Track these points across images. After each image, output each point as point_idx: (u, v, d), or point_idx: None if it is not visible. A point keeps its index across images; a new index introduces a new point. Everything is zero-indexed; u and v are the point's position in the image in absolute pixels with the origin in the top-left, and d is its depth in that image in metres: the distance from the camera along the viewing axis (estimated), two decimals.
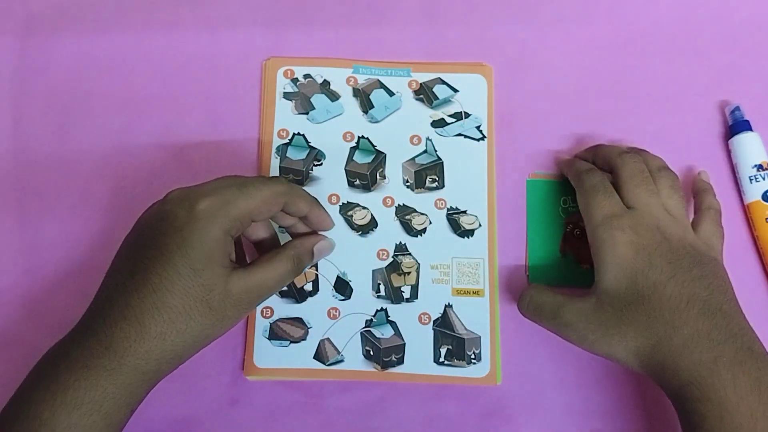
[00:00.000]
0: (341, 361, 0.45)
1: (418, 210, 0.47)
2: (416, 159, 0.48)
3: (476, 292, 0.46)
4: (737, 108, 0.48)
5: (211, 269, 0.35)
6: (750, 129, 0.47)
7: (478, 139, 0.49)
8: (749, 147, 0.47)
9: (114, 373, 0.34)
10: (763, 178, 0.46)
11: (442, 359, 0.45)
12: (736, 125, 0.48)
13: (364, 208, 0.47)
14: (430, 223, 0.47)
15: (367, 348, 0.45)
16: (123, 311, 0.34)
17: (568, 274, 0.47)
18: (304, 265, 0.41)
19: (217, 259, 0.36)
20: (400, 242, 0.47)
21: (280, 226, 0.44)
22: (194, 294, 0.35)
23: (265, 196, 0.37)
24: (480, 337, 0.45)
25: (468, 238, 0.47)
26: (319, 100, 0.49)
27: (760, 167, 0.46)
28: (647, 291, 0.37)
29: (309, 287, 0.46)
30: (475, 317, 0.45)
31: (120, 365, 0.34)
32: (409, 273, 0.46)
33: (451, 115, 0.49)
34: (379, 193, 0.48)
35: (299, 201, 0.40)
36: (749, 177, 0.47)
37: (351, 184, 0.48)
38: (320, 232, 0.44)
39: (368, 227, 0.47)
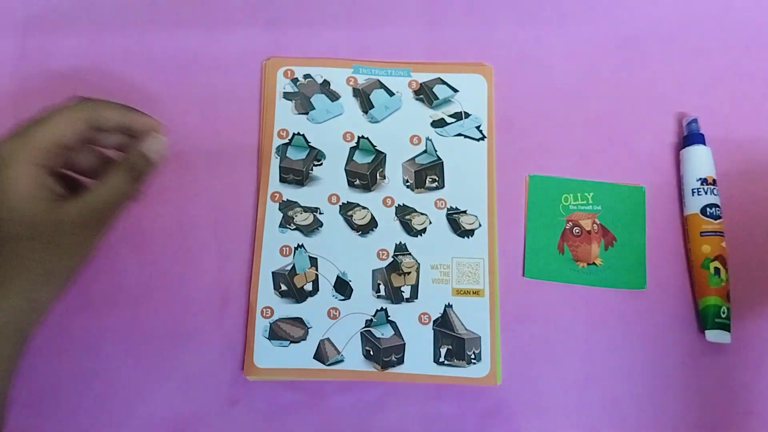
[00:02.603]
0: (341, 361, 0.44)
1: (418, 210, 0.47)
2: (416, 159, 0.48)
3: (476, 292, 0.46)
4: (694, 120, 0.48)
5: (30, 205, 0.35)
6: (703, 142, 0.47)
7: (478, 139, 0.49)
8: (698, 160, 0.47)
9: None
10: (705, 193, 0.46)
11: (442, 359, 0.45)
12: (690, 137, 0.47)
13: (364, 208, 0.47)
14: (430, 223, 0.47)
15: (367, 348, 0.45)
16: None
17: (564, 272, 0.47)
18: (142, 170, 0.40)
19: (35, 193, 0.35)
20: (400, 242, 0.47)
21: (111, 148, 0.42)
22: (21, 233, 0.35)
23: (65, 118, 0.37)
24: (480, 337, 0.45)
25: (468, 238, 0.47)
26: (319, 100, 0.49)
27: (704, 181, 0.46)
28: None
29: (309, 287, 0.46)
30: (475, 317, 0.45)
31: None
32: (409, 273, 0.46)
33: (451, 115, 0.49)
34: (379, 193, 0.48)
35: (106, 111, 0.39)
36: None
37: (351, 184, 0.48)
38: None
39: (368, 227, 0.47)
